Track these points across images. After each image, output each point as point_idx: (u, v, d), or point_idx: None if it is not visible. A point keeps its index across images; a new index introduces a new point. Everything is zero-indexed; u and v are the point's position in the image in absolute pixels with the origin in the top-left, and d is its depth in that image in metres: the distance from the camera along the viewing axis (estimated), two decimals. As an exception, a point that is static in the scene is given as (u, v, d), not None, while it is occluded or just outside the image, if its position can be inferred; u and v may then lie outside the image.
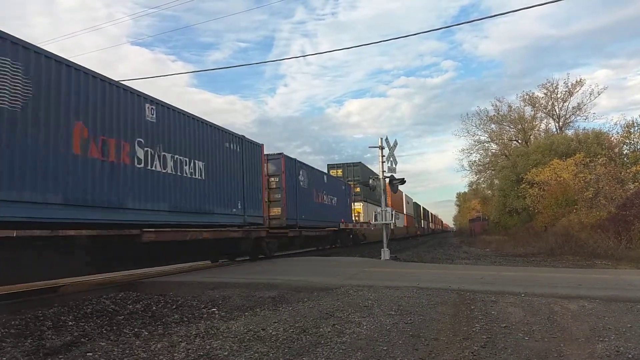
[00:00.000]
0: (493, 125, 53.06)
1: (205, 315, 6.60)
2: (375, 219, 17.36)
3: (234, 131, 14.94)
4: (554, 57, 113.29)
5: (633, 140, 33.40)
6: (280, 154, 19.07)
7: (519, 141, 51.73)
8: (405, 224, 50.60)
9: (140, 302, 7.61)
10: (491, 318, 5.83)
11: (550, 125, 51.55)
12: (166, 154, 11.09)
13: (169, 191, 11.13)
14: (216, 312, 6.81)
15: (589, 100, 47.41)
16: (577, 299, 6.84)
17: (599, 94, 48.41)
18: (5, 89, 7.24)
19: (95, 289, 9.21)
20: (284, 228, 18.59)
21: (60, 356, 4.69)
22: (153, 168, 10.61)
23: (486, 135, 53.84)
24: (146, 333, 5.62)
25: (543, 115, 51.23)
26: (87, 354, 4.72)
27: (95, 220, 8.93)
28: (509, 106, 51.53)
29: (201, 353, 4.63)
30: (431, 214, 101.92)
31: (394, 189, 18.69)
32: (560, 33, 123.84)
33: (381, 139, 17.36)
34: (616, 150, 34.30)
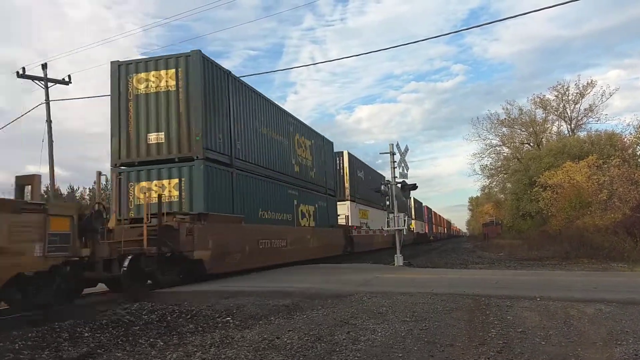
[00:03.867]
0: (504, 129, 52.79)
1: (220, 325, 6.62)
2: (388, 225, 17.32)
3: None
4: (565, 58, 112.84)
5: (646, 141, 33.06)
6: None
7: (531, 144, 51.41)
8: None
9: (155, 313, 7.64)
10: (507, 323, 5.79)
11: (562, 127, 51.21)
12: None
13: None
14: (231, 321, 6.82)
15: (600, 102, 47.08)
16: (594, 302, 6.77)
17: (611, 95, 48.16)
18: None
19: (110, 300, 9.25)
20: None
21: (77, 367, 4.73)
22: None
23: (497, 138, 53.59)
24: (161, 343, 5.64)
25: (554, 117, 50.92)
26: (104, 364, 4.75)
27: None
28: (520, 109, 51.30)
29: (217, 362, 4.65)
30: (437, 215, 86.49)
31: (406, 195, 18.65)
32: (571, 34, 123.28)
33: (392, 145, 17.36)
34: (630, 151, 33.95)
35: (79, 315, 7.32)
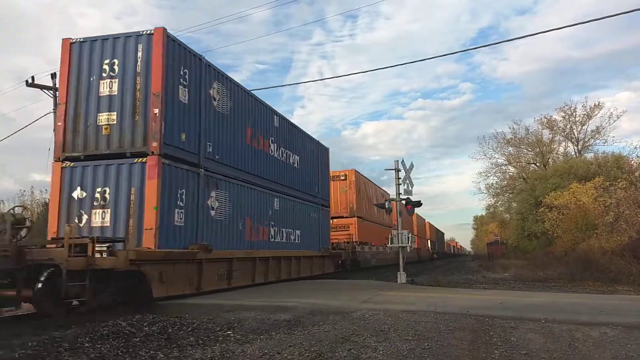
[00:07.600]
0: (510, 148, 52.80)
1: (220, 338, 6.58)
2: (391, 242, 17.26)
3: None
4: (574, 79, 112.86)
5: (654, 164, 32.96)
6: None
7: (537, 164, 51.34)
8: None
9: (156, 324, 7.61)
10: (511, 345, 5.73)
11: (568, 148, 51.16)
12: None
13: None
14: (231, 335, 6.79)
15: (608, 124, 47.01)
16: (599, 325, 6.69)
17: (618, 117, 48.01)
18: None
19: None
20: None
21: (76, 378, 4.70)
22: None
23: (504, 158, 53.57)
24: (162, 356, 5.61)
25: (561, 138, 50.90)
26: (103, 376, 4.72)
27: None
28: (527, 129, 51.30)
29: (216, 377, 4.61)
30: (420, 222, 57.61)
31: (410, 212, 18.61)
32: (580, 55, 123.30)
33: (397, 161, 17.36)
34: (636, 174, 33.84)
35: (80, 325, 7.30)
